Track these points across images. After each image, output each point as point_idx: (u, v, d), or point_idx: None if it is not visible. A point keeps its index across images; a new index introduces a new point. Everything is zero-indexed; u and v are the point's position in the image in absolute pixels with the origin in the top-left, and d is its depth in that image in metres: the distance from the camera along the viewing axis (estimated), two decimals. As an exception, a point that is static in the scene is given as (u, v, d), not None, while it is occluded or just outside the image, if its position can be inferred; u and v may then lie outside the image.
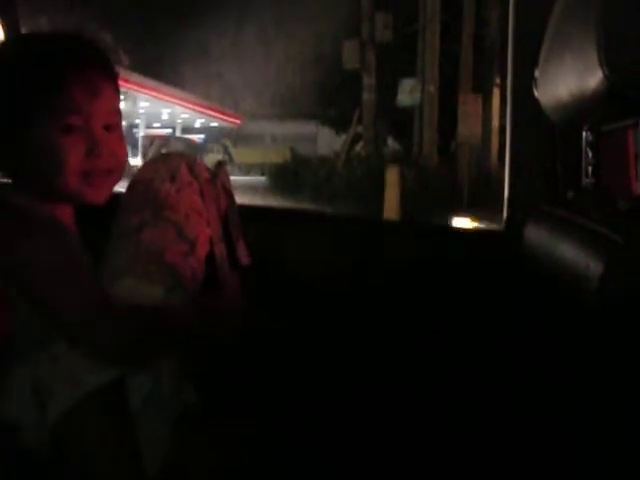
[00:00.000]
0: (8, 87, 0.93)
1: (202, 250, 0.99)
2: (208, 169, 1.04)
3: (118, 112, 0.98)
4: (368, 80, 11.86)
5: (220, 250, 1.01)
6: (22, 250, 0.88)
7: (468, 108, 9.19)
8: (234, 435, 1.07)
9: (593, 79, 0.68)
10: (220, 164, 1.07)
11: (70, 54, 0.96)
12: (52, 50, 0.96)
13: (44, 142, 0.92)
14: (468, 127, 9.23)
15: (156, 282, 0.94)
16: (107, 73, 0.96)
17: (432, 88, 10.73)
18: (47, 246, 0.89)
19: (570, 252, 0.79)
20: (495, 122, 10.41)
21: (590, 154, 0.91)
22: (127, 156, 1.00)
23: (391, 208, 8.73)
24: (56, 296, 0.88)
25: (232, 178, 1.11)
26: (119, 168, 0.97)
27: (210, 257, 1.01)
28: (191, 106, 20.92)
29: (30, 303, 0.89)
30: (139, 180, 1.02)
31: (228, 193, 1.05)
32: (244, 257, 1.05)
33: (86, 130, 0.92)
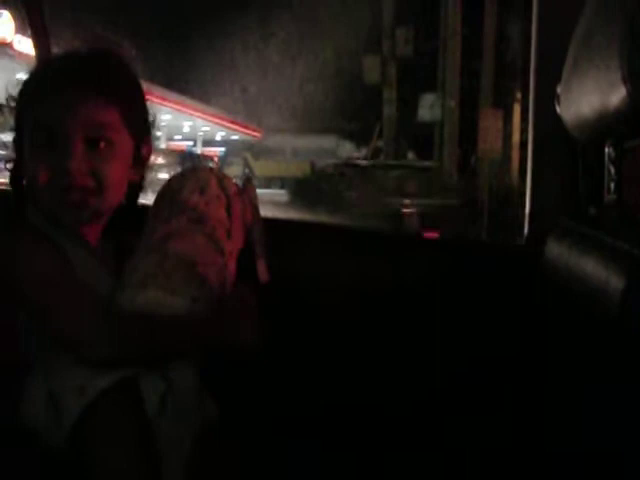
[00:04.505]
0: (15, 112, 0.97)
1: (232, 264, 1.00)
2: (236, 184, 1.06)
3: (114, 128, 0.94)
4: (389, 95, 11.87)
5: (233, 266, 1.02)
6: (19, 263, 0.89)
7: (488, 123, 9.15)
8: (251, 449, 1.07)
9: (616, 96, 0.68)
10: (248, 180, 1.08)
11: (49, 72, 0.97)
12: (36, 69, 0.99)
13: (27, 157, 0.94)
14: (488, 142, 9.18)
15: (181, 293, 0.94)
16: (92, 88, 0.93)
17: (453, 103, 10.71)
18: (41, 259, 0.90)
19: (591, 267, 0.79)
20: (516, 137, 10.36)
21: (612, 170, 0.91)
22: (118, 175, 0.96)
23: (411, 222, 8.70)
24: (50, 309, 0.88)
25: (254, 191, 1.11)
26: (102, 188, 0.94)
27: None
28: (212, 119, 21.06)
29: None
30: (167, 191, 1.03)
31: (255, 209, 1.06)
32: (263, 274, 1.05)
33: (60, 145, 0.91)
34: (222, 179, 1.03)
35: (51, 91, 0.93)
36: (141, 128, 1.01)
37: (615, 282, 0.69)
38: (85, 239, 0.98)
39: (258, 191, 1.08)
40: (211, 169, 1.05)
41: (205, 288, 0.95)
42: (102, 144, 0.93)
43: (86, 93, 0.93)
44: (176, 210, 0.99)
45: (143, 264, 0.96)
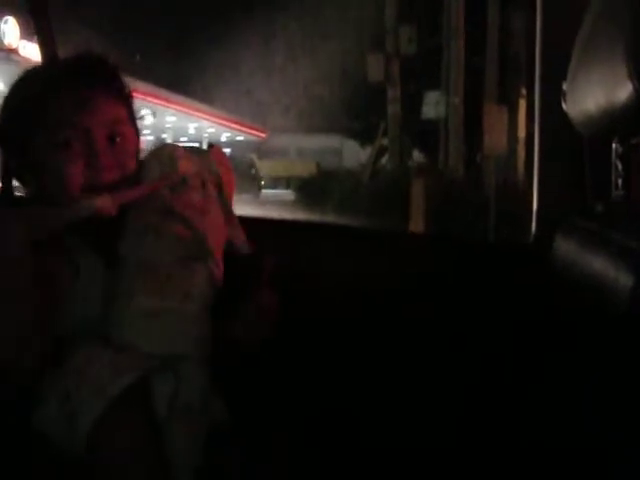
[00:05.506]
0: (14, 110, 0.97)
1: (218, 253, 0.98)
2: (191, 155, 1.00)
3: (124, 123, 0.98)
4: (393, 93, 11.85)
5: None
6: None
7: (493, 119, 9.11)
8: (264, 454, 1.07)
9: (623, 92, 0.68)
10: (210, 146, 1.01)
11: (60, 72, 0.98)
12: (44, 70, 1.01)
13: (45, 159, 0.94)
14: (494, 138, 9.15)
15: (167, 296, 0.95)
16: (104, 86, 0.96)
17: (457, 100, 10.68)
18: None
19: (599, 265, 0.79)
20: (521, 133, 10.33)
21: (620, 166, 0.91)
22: (134, 168, 0.98)
23: (417, 221, 8.69)
24: None
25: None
26: (128, 182, 0.96)
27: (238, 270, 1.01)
28: (216, 120, 21.11)
29: None
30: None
31: (224, 178, 1.00)
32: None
33: (85, 143, 0.93)
34: (172, 160, 0.99)
35: (64, 90, 0.94)
36: (137, 122, 1.04)
37: (623, 279, 0.69)
38: (94, 238, 0.99)
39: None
40: (158, 151, 1.01)
41: (191, 285, 0.95)
42: (118, 139, 0.96)
43: (98, 90, 0.95)
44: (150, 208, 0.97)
45: (127, 271, 0.96)
